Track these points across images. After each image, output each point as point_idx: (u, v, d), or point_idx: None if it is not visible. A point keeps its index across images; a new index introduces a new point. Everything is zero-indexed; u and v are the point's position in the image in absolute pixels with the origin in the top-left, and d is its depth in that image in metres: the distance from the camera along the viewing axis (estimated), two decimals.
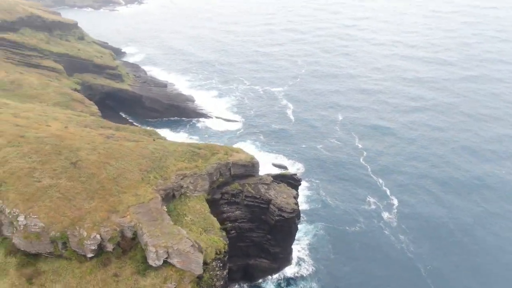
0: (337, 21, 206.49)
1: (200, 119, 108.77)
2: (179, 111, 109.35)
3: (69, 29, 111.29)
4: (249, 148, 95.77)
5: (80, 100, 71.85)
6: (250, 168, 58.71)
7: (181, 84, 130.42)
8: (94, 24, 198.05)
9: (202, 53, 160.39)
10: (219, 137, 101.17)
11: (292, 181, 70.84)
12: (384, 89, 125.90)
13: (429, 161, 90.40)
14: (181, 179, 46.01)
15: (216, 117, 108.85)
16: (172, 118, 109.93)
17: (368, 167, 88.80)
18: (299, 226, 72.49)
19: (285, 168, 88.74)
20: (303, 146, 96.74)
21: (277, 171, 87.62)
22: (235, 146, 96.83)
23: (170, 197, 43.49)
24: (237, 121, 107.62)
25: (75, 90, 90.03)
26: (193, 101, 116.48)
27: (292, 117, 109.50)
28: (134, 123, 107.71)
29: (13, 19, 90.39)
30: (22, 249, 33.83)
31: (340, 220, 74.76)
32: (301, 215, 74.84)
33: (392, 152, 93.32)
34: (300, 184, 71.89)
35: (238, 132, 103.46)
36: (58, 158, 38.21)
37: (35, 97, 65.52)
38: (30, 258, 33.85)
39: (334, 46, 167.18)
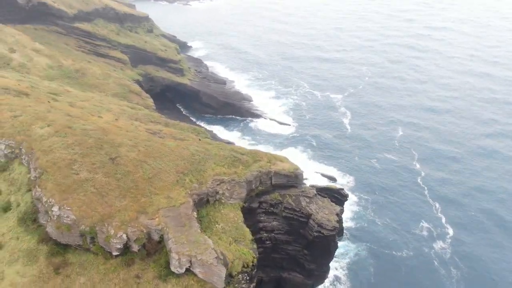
0: (410, 30, 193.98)
1: (254, 119, 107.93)
2: (234, 110, 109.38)
3: (139, 21, 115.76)
4: (299, 154, 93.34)
5: (137, 93, 73.95)
6: (293, 178, 56.34)
7: (240, 82, 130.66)
8: (166, 17, 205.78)
9: (265, 53, 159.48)
10: (270, 139, 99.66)
11: (338, 196, 67.56)
12: (454, 108, 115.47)
13: (497, 196, 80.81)
14: (218, 184, 45.00)
15: (270, 119, 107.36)
16: (227, 116, 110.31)
17: (425, 189, 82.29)
18: (340, 244, 69.02)
19: (334, 179, 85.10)
20: (356, 158, 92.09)
21: (325, 182, 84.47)
22: (285, 151, 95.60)
23: (203, 202, 42.66)
24: (291, 125, 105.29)
25: (137, 81, 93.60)
26: (249, 100, 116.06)
27: (348, 127, 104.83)
28: (190, 117, 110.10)
29: (89, 9, 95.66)
30: (54, 238, 34.83)
31: (387, 242, 69.94)
32: (345, 231, 71.24)
33: (454, 179, 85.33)
34: (346, 200, 68.28)
35: (290, 136, 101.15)
36: (99, 153, 38.88)
37: (96, 86, 68.44)
38: (60, 248, 34.72)
39: (403, 56, 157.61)
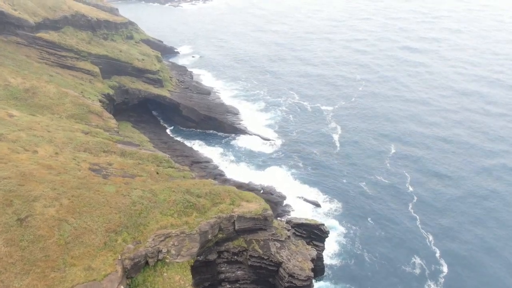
0: (412, 35, 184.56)
1: (237, 135, 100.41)
2: (216, 124, 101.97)
3: (116, 28, 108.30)
4: (282, 175, 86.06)
5: (97, 113, 66.63)
6: (261, 221, 49.06)
7: (226, 92, 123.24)
8: (156, 20, 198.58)
9: (256, 60, 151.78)
10: (253, 157, 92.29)
11: (318, 232, 60.52)
12: (457, 124, 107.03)
13: (507, 231, 72.97)
14: (162, 241, 37.72)
15: (255, 134, 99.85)
16: (208, 131, 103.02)
17: (417, 218, 74.76)
18: (321, 284, 61.98)
19: (318, 205, 77.75)
20: (344, 181, 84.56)
21: (308, 208, 77.24)
22: (268, 169, 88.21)
23: (140, 266, 35.44)
24: (276, 142, 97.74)
25: (106, 95, 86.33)
26: (234, 113, 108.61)
27: (337, 143, 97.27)
28: (169, 131, 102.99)
29: (56, 17, 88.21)
30: None
31: (375, 283, 62.55)
32: (326, 270, 63.91)
33: (452, 207, 77.49)
34: (327, 237, 61.26)
35: (274, 154, 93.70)
36: (5, 212, 31.70)
37: (48, 107, 61.20)
38: None
39: (402, 64, 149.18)
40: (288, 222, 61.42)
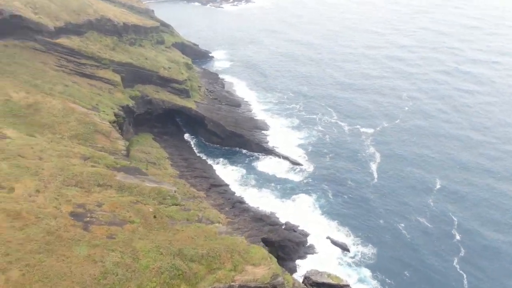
0: (470, 51, 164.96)
1: (264, 155, 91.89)
2: (242, 142, 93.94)
3: (146, 33, 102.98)
4: (309, 207, 76.74)
5: (105, 133, 60.41)
6: None
7: (258, 104, 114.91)
8: (195, 20, 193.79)
9: (295, 69, 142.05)
10: (279, 183, 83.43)
11: None
12: None
13: None
14: None
15: (283, 157, 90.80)
16: (233, 148, 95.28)
17: (464, 277, 62.92)
18: None
19: (346, 250, 67.77)
20: (381, 221, 73.75)
21: (335, 253, 67.45)
22: (294, 197, 79.23)
23: None
24: (306, 167, 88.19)
25: (125, 107, 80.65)
26: (263, 129, 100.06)
27: (375, 173, 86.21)
28: (193, 146, 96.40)
29: (80, 21, 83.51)
30: None
31: None
32: None
33: (509, 265, 65.01)
34: None
35: (303, 182, 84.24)
36: None
37: (50, 126, 55.63)
38: None
39: (459, 81, 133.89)
40: (306, 278, 52.39)
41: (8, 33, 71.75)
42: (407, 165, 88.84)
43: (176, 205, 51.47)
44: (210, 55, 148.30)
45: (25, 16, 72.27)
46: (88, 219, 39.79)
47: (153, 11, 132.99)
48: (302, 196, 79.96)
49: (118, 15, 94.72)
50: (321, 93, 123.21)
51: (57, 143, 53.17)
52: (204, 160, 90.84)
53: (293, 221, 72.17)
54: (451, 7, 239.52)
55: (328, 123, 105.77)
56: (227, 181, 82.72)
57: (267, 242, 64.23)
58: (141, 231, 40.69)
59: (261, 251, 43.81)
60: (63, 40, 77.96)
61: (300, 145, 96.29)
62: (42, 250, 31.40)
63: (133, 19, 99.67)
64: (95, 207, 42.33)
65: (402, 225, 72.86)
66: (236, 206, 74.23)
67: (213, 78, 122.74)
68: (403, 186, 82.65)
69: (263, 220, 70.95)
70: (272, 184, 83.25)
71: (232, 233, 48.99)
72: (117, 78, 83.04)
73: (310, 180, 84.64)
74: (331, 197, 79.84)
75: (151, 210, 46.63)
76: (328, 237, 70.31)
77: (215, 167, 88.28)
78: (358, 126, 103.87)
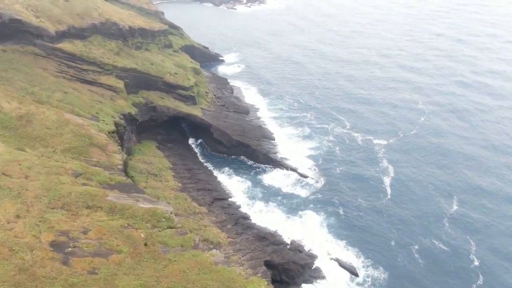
0: (488, 61, 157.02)
1: (271, 167, 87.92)
2: (248, 152, 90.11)
3: (153, 36, 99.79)
4: (316, 226, 72.49)
5: (101, 146, 57.15)
6: None
7: (268, 112, 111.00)
8: (207, 22, 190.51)
9: (307, 74, 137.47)
10: (286, 198, 79.38)
11: None
12: None
13: None
14: None
15: (291, 169, 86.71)
16: (239, 157, 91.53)
17: None
18: None
19: (354, 274, 63.44)
20: (392, 242, 69.11)
21: (341, 276, 63.16)
22: (301, 214, 75.07)
23: None
24: (314, 180, 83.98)
25: (127, 114, 77.58)
26: (272, 139, 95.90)
27: (388, 190, 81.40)
28: (198, 154, 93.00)
29: (84, 25, 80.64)
30: None
31: None
32: None
33: None
34: None
35: (311, 196, 79.98)
36: None
37: (42, 139, 52.62)
38: None
39: (481, 92, 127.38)
40: None
41: (7, 37, 69.27)
42: (422, 183, 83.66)
43: (172, 227, 47.95)
44: (221, 58, 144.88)
45: (24, 20, 69.65)
46: (70, 249, 36.51)
47: (163, 13, 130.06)
48: (309, 213, 75.84)
49: (124, 18, 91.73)
50: (334, 101, 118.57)
51: (48, 158, 50.13)
52: (209, 170, 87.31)
53: (298, 240, 68.31)
54: (468, 12, 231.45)
55: (340, 134, 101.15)
56: (231, 193, 79.13)
57: (270, 265, 60.30)
58: (127, 263, 37.21)
59: (261, 285, 39.92)
60: (65, 45, 75.23)
61: (309, 156, 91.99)
62: None
63: (140, 22, 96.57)
64: (80, 234, 39.04)
65: (416, 247, 68.13)
66: (239, 222, 70.41)
67: (222, 83, 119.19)
68: (417, 205, 77.68)
69: (267, 239, 66.99)
70: (279, 198, 79.30)
71: (229, 263, 45.26)
72: (120, 84, 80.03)
73: (319, 195, 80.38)
74: (341, 214, 75.51)
75: (142, 236, 43.19)
76: (336, 259, 66.14)
77: (219, 177, 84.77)
78: (371, 137, 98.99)
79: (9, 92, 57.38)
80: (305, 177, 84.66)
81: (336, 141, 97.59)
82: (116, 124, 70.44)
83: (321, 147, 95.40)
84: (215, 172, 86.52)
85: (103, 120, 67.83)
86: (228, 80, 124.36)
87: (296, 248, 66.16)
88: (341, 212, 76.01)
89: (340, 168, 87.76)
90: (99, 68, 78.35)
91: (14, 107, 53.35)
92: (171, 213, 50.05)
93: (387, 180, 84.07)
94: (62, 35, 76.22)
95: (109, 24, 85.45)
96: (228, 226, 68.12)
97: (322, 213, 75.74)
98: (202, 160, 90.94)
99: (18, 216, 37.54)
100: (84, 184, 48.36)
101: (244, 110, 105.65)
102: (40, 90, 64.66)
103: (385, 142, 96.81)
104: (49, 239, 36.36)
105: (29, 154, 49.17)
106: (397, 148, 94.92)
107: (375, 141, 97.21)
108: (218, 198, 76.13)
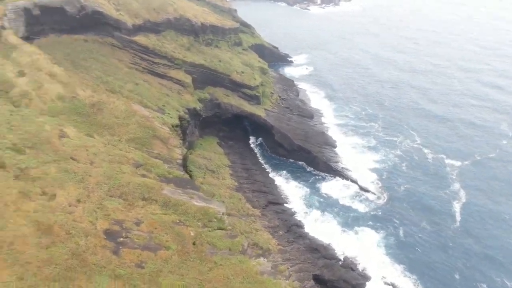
0: None
1: (331, 176, 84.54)
2: (308, 158, 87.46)
3: (224, 33, 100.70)
4: (373, 244, 68.30)
5: (163, 139, 58.19)
6: None
7: (333, 118, 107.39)
8: (279, 21, 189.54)
9: (378, 83, 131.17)
10: (342, 210, 75.81)
11: None
12: None
13: None
14: None
15: (351, 181, 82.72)
16: (298, 162, 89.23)
17: None
18: None
19: None
20: (457, 276, 62.82)
21: None
22: (356, 231, 70.73)
23: None
24: (376, 195, 79.29)
25: (192, 110, 78.72)
26: (334, 146, 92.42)
27: (457, 216, 74.44)
28: (258, 155, 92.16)
29: (159, 20, 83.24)
30: None
31: None
32: None
33: None
34: None
35: (370, 212, 75.54)
36: None
37: (110, 127, 54.62)
38: None
39: None
40: None
41: (89, 28, 73.30)
42: (498, 215, 75.31)
43: (222, 229, 47.19)
44: (289, 59, 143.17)
45: (106, 12, 73.30)
46: (121, 239, 36.97)
47: (235, 10, 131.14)
48: (367, 229, 71.54)
49: (198, 14, 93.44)
50: (404, 113, 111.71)
51: (113, 146, 51.81)
52: (267, 172, 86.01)
53: (352, 257, 64.60)
54: None
55: (409, 149, 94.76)
56: (287, 198, 77.18)
57: (319, 280, 57.65)
58: (174, 261, 36.90)
59: None
60: (140, 38, 78.14)
61: (373, 169, 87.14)
62: (60, 277, 28.75)
63: (212, 19, 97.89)
64: (133, 225, 39.49)
65: (484, 286, 61.27)
66: (291, 230, 68.26)
67: (288, 84, 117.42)
68: (491, 239, 70.00)
69: (319, 251, 64.19)
70: (335, 210, 75.87)
71: (276, 274, 43.46)
72: (188, 79, 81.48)
73: (379, 212, 75.66)
74: (401, 235, 70.30)
75: (192, 234, 42.83)
76: (391, 284, 61.53)
77: (277, 180, 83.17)
78: (443, 156, 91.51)
79: (85, 80, 60.46)
80: (366, 191, 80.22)
81: (404, 156, 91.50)
82: (180, 118, 71.66)
83: (387, 161, 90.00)
84: (272, 174, 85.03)
85: (168, 113, 69.21)
86: (295, 82, 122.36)
87: (349, 265, 62.56)
88: (401, 233, 70.76)
89: (406, 186, 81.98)
90: (170, 62, 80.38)
91: (88, 95, 55.97)
92: (223, 214, 49.31)
93: (457, 206, 76.90)
94: (138, 29, 79.28)
95: (182, 20, 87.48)
96: (280, 232, 66.26)
97: (381, 231, 71.08)
98: (261, 161, 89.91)
99: (79, 201, 38.80)
100: (143, 175, 49.26)
101: (308, 114, 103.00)
102: (114, 80, 67.53)
103: (458, 163, 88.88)
104: (104, 227, 37.11)
105: (96, 141, 51.13)
106: (472, 171, 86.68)
107: (447, 161, 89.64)
108: (273, 202, 74.54)
